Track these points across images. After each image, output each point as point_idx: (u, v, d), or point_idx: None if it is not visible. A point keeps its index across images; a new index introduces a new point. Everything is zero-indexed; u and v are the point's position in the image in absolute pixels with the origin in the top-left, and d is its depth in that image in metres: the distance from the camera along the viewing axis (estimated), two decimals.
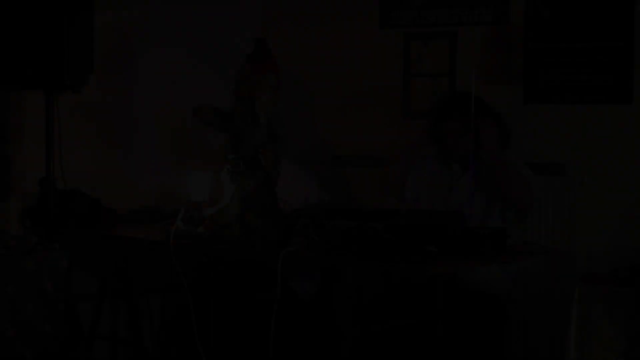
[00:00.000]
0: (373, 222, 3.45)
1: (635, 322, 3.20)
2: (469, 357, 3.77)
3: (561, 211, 4.41)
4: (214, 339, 4.01)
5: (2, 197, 4.21)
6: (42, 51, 3.69)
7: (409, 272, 3.42)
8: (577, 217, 4.42)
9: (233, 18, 5.05)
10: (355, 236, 3.38)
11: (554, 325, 4.29)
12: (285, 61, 3.79)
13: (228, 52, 4.10)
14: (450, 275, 3.49)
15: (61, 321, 3.43)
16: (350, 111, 5.08)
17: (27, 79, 3.75)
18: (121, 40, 4.58)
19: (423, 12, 4.90)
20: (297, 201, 3.86)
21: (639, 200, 4.32)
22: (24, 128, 4.23)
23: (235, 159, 3.70)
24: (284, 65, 3.73)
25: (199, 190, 3.98)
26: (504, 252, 3.47)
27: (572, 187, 4.44)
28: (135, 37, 4.64)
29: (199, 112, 3.74)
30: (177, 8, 4.80)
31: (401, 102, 5.01)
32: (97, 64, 3.88)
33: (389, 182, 4.92)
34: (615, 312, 3.24)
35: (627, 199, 4.34)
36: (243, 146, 3.70)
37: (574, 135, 4.44)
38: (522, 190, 3.95)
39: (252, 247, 3.58)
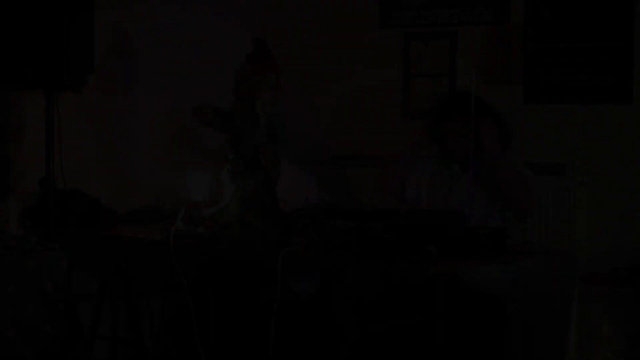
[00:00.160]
0: (373, 222, 3.45)
1: (635, 322, 3.20)
2: (469, 357, 3.77)
3: (561, 211, 4.41)
4: (214, 339, 4.01)
5: (2, 197, 4.21)
6: (42, 51, 3.69)
7: (409, 272, 3.42)
8: (577, 217, 4.42)
9: (233, 18, 5.05)
10: (355, 236, 3.38)
11: (554, 325, 4.29)
12: (285, 61, 3.78)
13: (228, 52, 4.10)
14: (450, 275, 3.49)
15: (61, 321, 3.42)
16: (350, 111, 5.08)
17: (27, 79, 3.75)
18: (121, 40, 4.58)
19: (423, 12, 4.90)
20: (297, 201, 3.86)
21: (639, 200, 4.32)
22: (24, 128, 4.23)
23: (235, 159, 3.70)
24: (284, 65, 3.73)
25: (199, 190, 3.98)
26: (504, 252, 3.47)
27: (572, 187, 4.44)
28: (135, 37, 4.64)
29: (199, 112, 3.74)
30: (177, 8, 4.80)
31: (401, 102, 5.01)
32: (97, 64, 3.88)
33: (389, 182, 4.92)
34: (615, 312, 3.25)
35: (627, 199, 4.34)
36: (243, 146, 3.70)
37: (574, 135, 4.44)
38: (522, 190, 3.95)
39: (252, 247, 3.58)
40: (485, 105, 4.05)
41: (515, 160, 4.07)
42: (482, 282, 3.80)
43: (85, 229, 4.06)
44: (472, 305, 3.77)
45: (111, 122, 4.57)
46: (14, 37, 3.69)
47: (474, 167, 3.96)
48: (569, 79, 4.51)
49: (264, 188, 3.68)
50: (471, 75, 3.87)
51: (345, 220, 3.51)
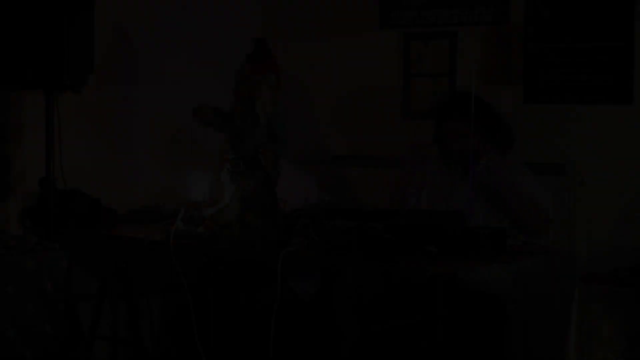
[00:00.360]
0: (373, 222, 3.45)
1: (635, 322, 3.20)
2: (469, 357, 3.77)
3: (561, 211, 4.41)
4: (214, 339, 4.01)
5: (2, 197, 4.21)
6: (42, 51, 3.69)
7: (409, 272, 3.42)
8: (577, 217, 4.42)
9: (233, 18, 5.05)
10: (355, 236, 3.38)
11: (554, 325, 4.29)
12: (285, 61, 3.79)
13: (228, 52, 4.10)
14: (450, 275, 3.49)
15: (61, 321, 3.42)
16: (350, 111, 5.08)
17: (27, 79, 3.75)
18: (121, 40, 4.58)
19: (423, 12, 4.90)
20: (297, 201, 3.86)
21: (639, 200, 4.32)
22: (24, 128, 4.23)
23: (235, 159, 3.70)
24: (283, 65, 3.73)
25: (199, 190, 3.98)
26: (504, 252, 3.47)
27: (572, 187, 4.44)
28: (135, 37, 4.64)
29: (199, 112, 3.74)
30: (177, 8, 4.80)
31: (401, 102, 5.01)
32: (97, 64, 3.88)
33: (388, 182, 4.92)
34: (615, 312, 3.24)
35: (627, 199, 4.33)
36: (243, 146, 3.70)
37: (574, 135, 4.44)
38: (531, 213, 3.91)
39: (252, 247, 3.58)
40: (485, 106, 4.05)
41: (517, 165, 4.06)
42: (482, 282, 3.80)
43: (85, 229, 4.06)
44: (472, 305, 3.77)
45: (111, 122, 4.57)
46: (14, 37, 3.69)
47: (474, 168, 3.96)
48: (569, 79, 4.50)
49: (264, 188, 3.68)
50: (471, 75, 3.87)
51: (345, 220, 3.51)
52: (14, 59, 3.71)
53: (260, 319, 3.89)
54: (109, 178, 4.47)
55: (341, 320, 3.63)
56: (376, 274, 3.57)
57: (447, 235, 3.35)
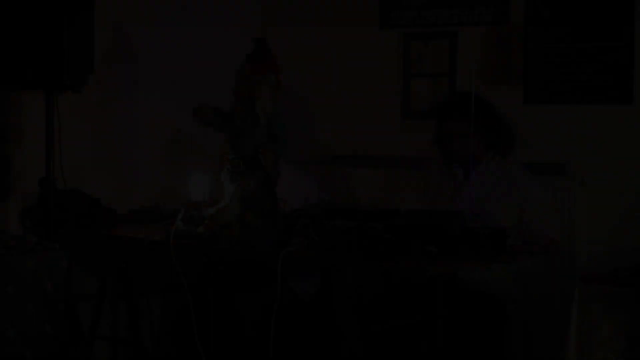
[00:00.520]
0: (373, 222, 3.45)
1: (635, 322, 3.20)
2: (469, 357, 3.77)
3: (561, 211, 4.41)
4: (214, 339, 4.01)
5: (2, 197, 4.21)
6: (42, 51, 3.69)
7: (409, 272, 3.42)
8: (577, 217, 4.42)
9: (233, 18, 5.05)
10: (355, 236, 3.38)
11: (554, 325, 4.29)
12: (285, 61, 3.78)
13: (228, 52, 4.10)
14: (450, 275, 3.49)
15: (61, 321, 3.42)
16: (350, 111, 5.08)
17: (27, 79, 3.75)
18: (121, 40, 4.58)
19: (423, 12, 4.90)
20: (297, 201, 3.86)
21: (639, 200, 4.32)
22: (24, 128, 4.23)
23: (235, 159, 3.70)
24: (283, 65, 3.73)
25: (199, 190, 3.98)
26: (504, 252, 3.47)
27: (572, 187, 4.44)
28: (135, 37, 4.64)
29: (199, 112, 3.74)
30: (177, 8, 4.80)
31: (401, 102, 5.01)
32: (97, 64, 3.88)
33: (389, 182, 4.93)
34: (615, 312, 3.24)
35: (627, 199, 4.33)
36: (243, 146, 3.70)
37: (574, 135, 4.44)
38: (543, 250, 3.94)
39: (252, 247, 3.58)
40: (486, 107, 4.05)
41: (517, 169, 4.06)
42: (482, 282, 3.80)
43: (85, 229, 4.06)
44: (472, 305, 3.77)
45: (111, 122, 4.57)
46: (14, 37, 3.69)
47: (474, 168, 3.96)
48: (569, 79, 4.50)
49: (264, 188, 3.68)
50: (471, 75, 3.87)
51: (345, 220, 3.51)
52: (14, 59, 3.71)
53: (260, 319, 3.89)
54: (109, 178, 4.47)
55: (341, 320, 3.63)
56: (376, 274, 3.57)
57: (447, 235, 3.35)
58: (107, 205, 4.18)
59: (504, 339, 3.86)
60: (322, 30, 5.13)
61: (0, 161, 4.22)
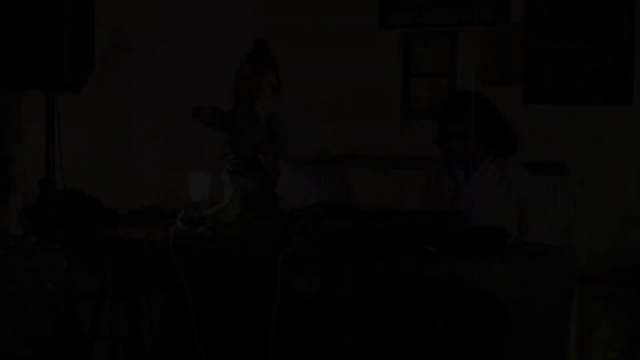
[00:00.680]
0: (373, 222, 3.45)
1: (635, 322, 3.20)
2: (468, 357, 3.77)
3: (561, 211, 4.41)
4: (214, 339, 4.01)
5: (2, 197, 4.21)
6: (42, 51, 3.69)
7: (409, 272, 3.42)
8: (577, 217, 4.42)
9: (233, 18, 5.05)
10: (355, 236, 3.38)
11: (554, 325, 4.29)
12: (285, 61, 3.78)
13: (228, 52, 4.10)
14: (450, 275, 3.49)
15: (61, 321, 3.42)
16: (350, 111, 5.08)
17: (27, 79, 3.74)
18: (121, 40, 4.58)
19: (423, 12, 4.90)
20: (297, 201, 3.86)
21: (639, 200, 4.32)
22: (24, 128, 4.23)
23: (235, 159, 3.70)
24: (283, 65, 3.73)
25: (199, 190, 3.98)
26: (504, 252, 3.47)
27: (572, 187, 4.44)
28: (134, 37, 4.64)
29: (199, 112, 3.74)
30: (177, 8, 4.80)
31: (401, 102, 5.01)
32: (97, 64, 3.88)
33: (388, 182, 4.93)
34: (615, 312, 3.24)
35: (627, 199, 4.33)
36: (243, 146, 3.70)
37: (574, 135, 4.44)
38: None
39: (252, 247, 3.58)
40: (489, 108, 4.04)
41: (516, 167, 4.05)
42: (482, 282, 3.79)
43: (85, 229, 4.06)
44: (472, 305, 3.77)
45: (111, 122, 4.57)
46: (14, 37, 3.69)
47: (474, 169, 3.96)
48: (569, 79, 4.50)
49: (264, 188, 3.68)
50: (471, 75, 3.87)
51: (345, 220, 3.51)
52: (14, 59, 3.70)
53: (260, 319, 3.89)
54: (109, 178, 4.47)
55: (341, 320, 3.63)
56: (376, 274, 3.56)
57: (447, 235, 3.35)
58: (107, 205, 4.17)
59: (504, 339, 3.86)
60: (322, 30, 5.13)
61: (0, 161, 4.22)
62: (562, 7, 4.50)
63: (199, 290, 3.92)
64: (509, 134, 4.08)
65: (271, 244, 3.51)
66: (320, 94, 5.14)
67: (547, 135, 4.46)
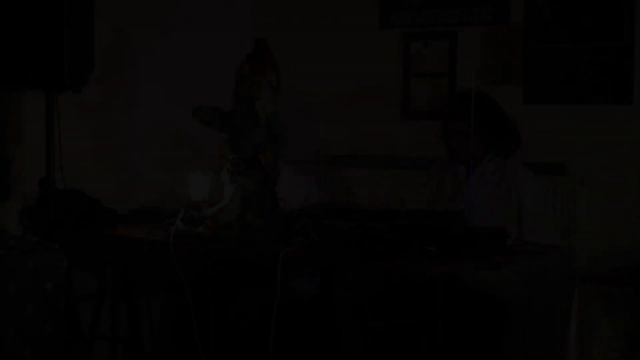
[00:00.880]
0: (373, 222, 3.45)
1: (635, 322, 3.20)
2: (469, 357, 3.77)
3: (561, 211, 4.41)
4: (214, 339, 4.01)
5: (2, 197, 4.21)
6: (42, 51, 3.69)
7: (409, 272, 3.42)
8: (577, 217, 4.42)
9: (233, 18, 5.05)
10: (355, 236, 3.38)
11: (554, 325, 4.29)
12: (285, 61, 3.78)
13: (228, 52, 4.10)
14: (450, 275, 3.49)
15: (61, 321, 3.42)
16: (350, 111, 5.08)
17: (27, 79, 3.75)
18: (121, 40, 4.58)
19: (423, 12, 4.90)
20: (297, 201, 3.86)
21: (639, 200, 4.32)
22: (24, 128, 4.23)
23: (235, 159, 3.70)
24: (283, 65, 3.73)
25: (199, 190, 3.98)
26: (504, 252, 3.47)
27: (572, 187, 4.44)
28: (135, 37, 4.64)
29: (199, 112, 3.74)
30: (177, 8, 4.80)
31: (401, 102, 5.01)
32: (97, 64, 3.88)
33: (388, 182, 4.93)
34: (615, 312, 3.24)
35: (627, 199, 4.33)
36: (243, 146, 3.70)
37: (574, 135, 4.44)
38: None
39: (252, 247, 3.58)
40: (492, 108, 4.04)
41: (517, 167, 4.06)
42: (482, 282, 3.80)
43: (85, 229, 4.06)
44: (472, 305, 3.77)
45: (111, 122, 4.57)
46: (14, 37, 3.69)
47: (474, 168, 3.96)
48: (569, 79, 4.50)
49: (264, 188, 3.68)
50: (471, 75, 3.86)
51: (345, 220, 3.51)
52: (14, 59, 3.71)
53: (260, 319, 3.89)
54: (109, 178, 4.47)
55: (341, 320, 3.63)
56: (376, 274, 3.57)
57: (447, 235, 3.35)
58: (107, 205, 4.18)
59: (504, 339, 3.86)
60: (322, 30, 5.13)
61: (0, 161, 4.22)
62: (562, 7, 4.50)
63: (199, 290, 3.92)
64: (510, 133, 4.08)
65: (271, 244, 3.51)
66: (320, 94, 5.14)
67: (547, 135, 4.46)
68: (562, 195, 4.43)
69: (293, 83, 4.06)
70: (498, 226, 3.55)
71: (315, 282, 4.17)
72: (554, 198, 4.42)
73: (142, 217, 4.18)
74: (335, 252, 3.39)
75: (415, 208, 3.86)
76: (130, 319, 4.37)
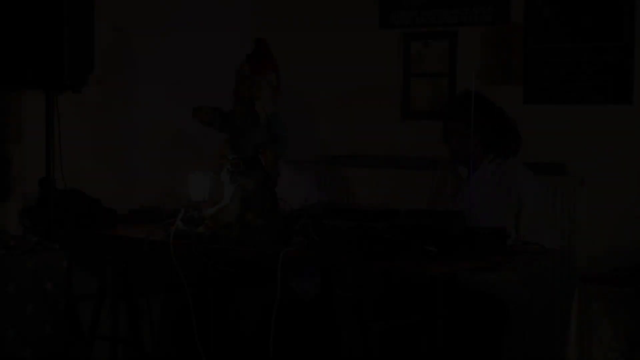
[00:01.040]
0: (373, 222, 3.45)
1: (635, 322, 3.20)
2: (469, 357, 3.77)
3: (561, 211, 4.41)
4: (214, 339, 4.01)
5: (2, 197, 4.21)
6: (42, 51, 3.69)
7: (409, 272, 3.42)
8: (577, 217, 4.42)
9: (233, 18, 5.05)
10: (355, 236, 3.38)
11: (554, 325, 4.29)
12: (285, 61, 3.78)
13: (228, 52, 4.10)
14: (450, 275, 3.49)
15: (61, 321, 3.42)
16: (350, 111, 5.08)
17: (27, 79, 3.75)
18: (121, 40, 4.58)
19: (423, 12, 4.90)
20: (297, 201, 3.86)
21: (639, 200, 4.32)
22: (24, 128, 4.23)
23: (235, 159, 3.70)
24: (283, 65, 3.73)
25: (199, 190, 3.98)
26: (503, 252, 3.47)
27: (572, 187, 4.44)
28: (135, 37, 4.64)
29: (199, 112, 3.74)
30: (177, 8, 4.80)
31: (401, 102, 5.01)
32: (97, 64, 3.88)
33: (388, 182, 4.93)
34: (615, 312, 3.24)
35: (627, 199, 4.33)
36: (243, 146, 3.70)
37: (574, 135, 4.44)
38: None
39: (252, 247, 3.58)
40: (491, 108, 4.04)
41: (517, 167, 4.06)
42: (482, 282, 3.80)
43: (85, 229, 4.06)
44: (472, 305, 3.77)
45: (111, 122, 4.57)
46: (14, 37, 3.69)
47: (474, 169, 3.96)
48: (569, 79, 4.50)
49: (264, 188, 3.68)
50: (471, 75, 3.86)
51: (345, 220, 3.51)
52: (14, 59, 3.71)
53: (260, 319, 3.89)
54: (109, 178, 4.47)
55: (341, 320, 3.63)
56: (376, 274, 3.57)
57: (447, 235, 3.35)
58: (107, 205, 4.18)
59: (504, 339, 3.86)
60: (322, 30, 5.13)
61: (0, 161, 4.22)
62: (562, 7, 4.50)
63: (199, 290, 3.92)
64: (510, 134, 4.08)
65: (271, 244, 3.51)
66: (320, 94, 5.14)
67: (547, 135, 4.46)
68: (562, 195, 4.43)
69: (293, 83, 4.06)
70: (498, 226, 3.55)
71: (315, 282, 4.18)
72: (554, 198, 4.41)
73: (142, 217, 4.18)
74: (335, 252, 3.39)
75: (415, 208, 3.86)
76: (130, 319, 4.37)
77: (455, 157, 4.09)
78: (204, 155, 4.18)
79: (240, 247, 3.60)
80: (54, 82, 3.73)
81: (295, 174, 4.46)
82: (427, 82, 4.95)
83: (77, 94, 3.82)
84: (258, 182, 3.67)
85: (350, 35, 5.06)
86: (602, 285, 3.31)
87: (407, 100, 5.00)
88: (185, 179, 4.02)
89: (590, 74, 4.44)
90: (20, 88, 4.04)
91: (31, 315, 3.34)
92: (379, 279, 3.75)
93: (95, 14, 3.85)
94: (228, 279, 4.16)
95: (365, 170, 5.04)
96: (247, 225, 3.64)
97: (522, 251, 3.67)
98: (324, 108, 5.17)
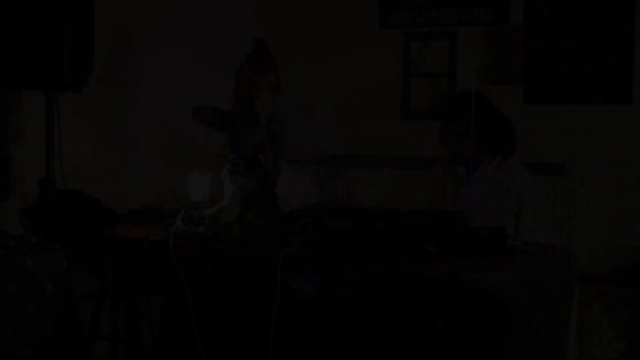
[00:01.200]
0: (373, 222, 3.45)
1: (635, 322, 3.20)
2: (469, 357, 3.77)
3: (561, 211, 4.41)
4: (214, 339, 4.01)
5: (2, 197, 4.21)
6: (42, 51, 3.68)
7: (409, 272, 3.42)
8: (577, 217, 4.42)
9: (233, 18, 5.05)
10: (355, 236, 3.38)
11: (554, 325, 4.29)
12: (285, 61, 3.78)
13: (228, 52, 4.10)
14: (450, 276, 3.49)
15: (61, 321, 3.42)
16: (350, 111, 5.08)
17: (27, 79, 3.74)
18: (121, 40, 4.58)
19: (423, 12, 4.90)
20: (297, 201, 3.86)
21: (639, 200, 4.32)
22: (24, 128, 4.23)
23: (235, 159, 3.70)
24: (283, 65, 3.73)
25: (199, 190, 3.98)
26: (503, 252, 3.47)
27: (572, 187, 4.44)
28: (135, 37, 4.64)
29: (199, 112, 3.74)
30: (177, 8, 4.80)
31: (401, 102, 5.01)
32: (97, 64, 3.88)
33: (388, 182, 4.93)
34: (615, 312, 3.25)
35: (627, 199, 4.33)
36: (243, 146, 3.70)
37: (574, 135, 4.44)
38: None
39: (252, 247, 3.58)
40: (489, 108, 4.04)
41: (515, 167, 4.06)
42: (482, 282, 3.80)
43: (85, 229, 4.06)
44: (472, 305, 3.77)
45: (111, 122, 4.57)
46: (14, 37, 3.69)
47: (474, 169, 3.96)
48: (569, 79, 4.50)
49: (264, 188, 3.68)
50: (471, 75, 3.86)
51: (345, 220, 3.51)
52: (14, 59, 3.70)
53: (260, 319, 3.89)
54: (109, 178, 4.46)
55: (341, 320, 3.63)
56: (376, 274, 3.57)
57: (447, 235, 3.35)
58: (107, 205, 4.17)
59: (504, 339, 3.86)
60: (321, 30, 5.13)
61: (0, 161, 4.22)
62: (562, 7, 4.50)
63: (199, 290, 3.92)
64: (505, 135, 4.08)
65: (271, 244, 3.51)
66: (321, 94, 5.14)
67: (547, 135, 4.46)
68: (562, 195, 4.43)
69: (293, 83, 4.06)
70: (498, 226, 3.55)
71: (315, 282, 4.18)
72: (554, 198, 4.42)
73: (142, 217, 4.18)
74: (335, 252, 3.39)
75: (415, 208, 3.86)
76: (130, 319, 4.37)
77: (455, 157, 4.10)
78: (204, 155, 4.17)
79: (240, 247, 3.60)
80: (54, 82, 3.73)
81: (295, 174, 4.46)
82: (427, 82, 4.95)
83: (77, 94, 3.81)
84: (258, 182, 3.67)
85: (350, 35, 5.06)
86: (602, 285, 3.31)
87: (407, 100, 5.00)
88: (185, 179, 4.02)
89: (590, 74, 4.44)
90: (20, 88, 4.04)
91: (31, 315, 3.33)
92: (379, 279, 3.75)
93: (95, 14, 3.85)
94: (228, 279, 4.16)
95: (365, 170, 5.04)
96: (247, 225, 3.64)
97: (522, 251, 3.67)
98: (324, 108, 5.17)
